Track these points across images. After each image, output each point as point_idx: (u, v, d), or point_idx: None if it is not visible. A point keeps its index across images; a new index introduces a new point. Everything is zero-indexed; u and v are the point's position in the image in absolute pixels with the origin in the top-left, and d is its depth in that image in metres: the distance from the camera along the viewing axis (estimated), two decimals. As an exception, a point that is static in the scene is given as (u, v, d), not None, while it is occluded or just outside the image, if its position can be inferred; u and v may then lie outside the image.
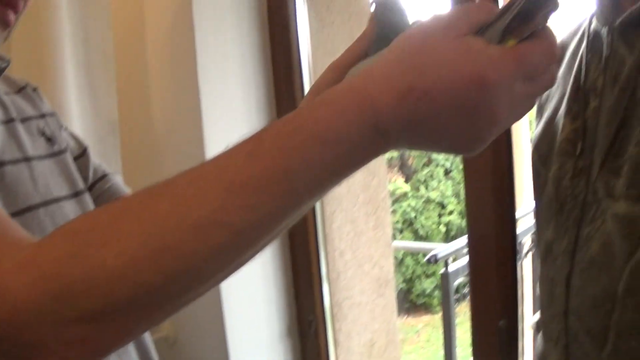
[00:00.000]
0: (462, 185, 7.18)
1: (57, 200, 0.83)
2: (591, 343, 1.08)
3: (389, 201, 2.36)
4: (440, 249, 2.68)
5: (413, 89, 0.51)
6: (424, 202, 7.03)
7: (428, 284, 6.80)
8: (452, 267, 2.58)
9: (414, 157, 7.15)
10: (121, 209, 0.53)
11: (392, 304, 2.33)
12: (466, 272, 2.68)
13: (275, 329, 2.00)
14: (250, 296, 1.93)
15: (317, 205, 2.02)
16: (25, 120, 0.86)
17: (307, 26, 2.00)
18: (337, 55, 2.22)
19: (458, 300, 2.63)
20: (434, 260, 2.50)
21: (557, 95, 1.21)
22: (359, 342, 2.19)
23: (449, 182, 7.16)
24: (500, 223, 1.56)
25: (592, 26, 1.13)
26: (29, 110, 0.88)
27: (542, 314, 1.21)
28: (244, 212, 0.50)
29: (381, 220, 2.29)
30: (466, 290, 2.64)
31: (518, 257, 1.64)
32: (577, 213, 1.10)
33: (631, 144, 1.01)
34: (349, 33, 2.21)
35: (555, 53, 0.56)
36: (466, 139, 0.55)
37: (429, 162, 7.20)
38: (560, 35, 1.28)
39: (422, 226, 6.93)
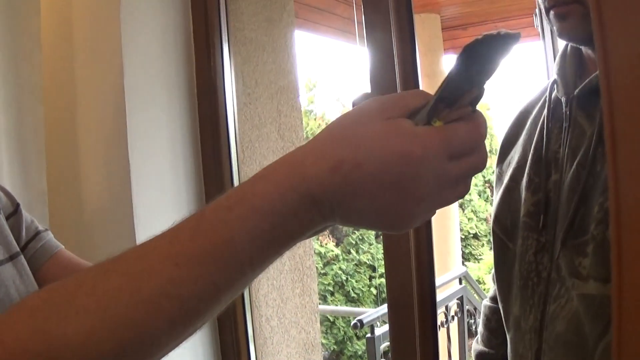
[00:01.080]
0: (392, 248, 7.29)
1: None
2: None
3: (314, 269, 2.42)
4: (366, 314, 2.73)
5: (344, 160, 0.54)
6: (355, 265, 7.09)
7: (360, 346, 6.83)
8: (378, 331, 2.63)
9: (345, 220, 7.20)
10: (76, 285, 0.54)
11: (319, 367, 2.36)
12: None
13: (201, 396, 2.01)
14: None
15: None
16: None
17: (235, 100, 2.07)
18: (264, 129, 2.26)
19: (384, 364, 2.68)
20: (360, 325, 2.55)
21: (514, 163, 1.19)
22: (286, 407, 2.21)
23: (380, 246, 7.24)
24: (420, 290, 1.61)
25: (554, 94, 1.13)
26: None
27: None
28: (191, 284, 0.53)
29: (307, 287, 2.34)
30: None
31: (445, 321, 1.67)
32: (542, 289, 1.09)
33: (592, 224, 1.00)
34: (275, 108, 2.28)
35: (482, 134, 0.59)
36: (394, 214, 0.57)
37: (359, 226, 7.27)
38: (523, 101, 1.29)
39: (353, 289, 6.97)
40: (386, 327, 2.80)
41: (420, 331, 1.62)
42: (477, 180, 7.20)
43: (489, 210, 7.05)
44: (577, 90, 1.07)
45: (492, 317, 1.41)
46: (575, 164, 1.02)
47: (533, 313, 1.11)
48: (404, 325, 1.64)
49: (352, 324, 2.62)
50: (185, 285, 0.53)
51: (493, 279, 1.43)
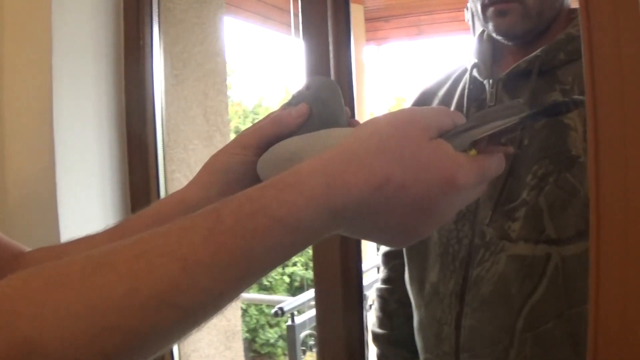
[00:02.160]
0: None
1: None
2: None
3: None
4: (286, 302, 2.73)
5: (391, 180, 0.51)
6: (280, 274, 7.10)
7: (272, 334, 6.83)
8: (298, 320, 2.64)
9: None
10: (58, 275, 0.46)
11: (240, 356, 2.34)
12: (312, 324, 2.75)
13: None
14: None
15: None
16: None
17: (163, 81, 2.03)
18: (190, 112, 2.23)
19: (304, 352, 2.69)
20: (280, 312, 2.55)
21: None
22: (205, 395, 2.19)
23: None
24: (346, 275, 1.62)
25: (472, 77, 1.23)
26: None
27: (424, 353, 1.25)
28: (196, 294, 0.47)
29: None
30: (312, 342, 2.71)
31: (364, 310, 1.69)
32: (463, 255, 1.16)
33: (525, 190, 1.09)
34: (202, 91, 2.24)
35: (502, 168, 0.60)
36: (413, 233, 0.56)
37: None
38: (425, 84, 1.40)
39: (266, 277, 6.98)
40: (305, 316, 2.82)
41: (345, 315, 1.63)
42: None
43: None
44: (504, 74, 1.17)
45: (390, 298, 1.45)
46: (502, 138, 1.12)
47: (454, 278, 1.17)
48: (330, 311, 1.64)
49: (272, 311, 2.62)
50: (190, 295, 0.47)
51: (384, 262, 1.50)
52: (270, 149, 0.69)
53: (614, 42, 0.55)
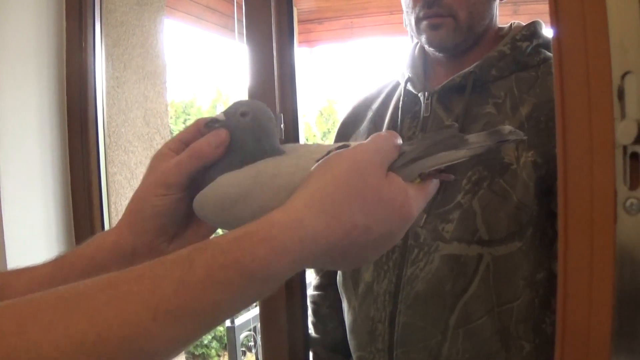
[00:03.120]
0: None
1: None
2: None
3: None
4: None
5: (357, 226, 0.55)
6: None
7: (206, 335, 6.75)
8: (238, 321, 2.65)
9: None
10: (29, 316, 0.45)
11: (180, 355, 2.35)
12: (252, 325, 2.77)
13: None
14: None
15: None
16: None
17: (104, 83, 2.02)
18: (130, 114, 2.22)
19: (244, 353, 2.70)
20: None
21: None
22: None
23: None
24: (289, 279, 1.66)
25: (406, 90, 1.29)
26: None
27: (357, 351, 1.28)
28: (165, 341, 0.48)
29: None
30: (251, 343, 2.73)
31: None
32: (397, 256, 1.20)
33: (459, 194, 1.15)
34: (142, 93, 2.24)
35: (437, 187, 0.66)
36: (368, 259, 0.60)
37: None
38: (360, 96, 1.45)
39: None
40: (245, 317, 2.83)
41: (289, 315, 1.66)
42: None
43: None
44: (439, 87, 1.23)
45: (323, 303, 1.49)
46: None
47: (387, 277, 1.21)
48: (273, 313, 1.67)
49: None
50: (158, 342, 0.47)
51: (315, 269, 1.54)
52: (207, 188, 0.66)
53: (581, 51, 0.61)
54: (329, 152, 0.62)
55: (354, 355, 1.32)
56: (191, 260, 0.50)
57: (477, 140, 0.62)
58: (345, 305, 1.35)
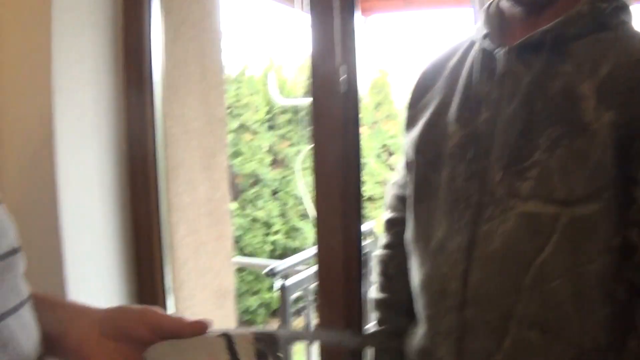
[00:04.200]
0: (288, 206, 7.30)
1: None
2: (489, 335, 1.16)
3: (230, 214, 2.40)
4: (279, 263, 2.75)
5: None
6: (251, 220, 7.08)
7: (252, 302, 6.85)
8: (289, 282, 2.65)
9: (242, 176, 7.18)
10: None
11: (232, 315, 2.36)
12: (301, 287, 2.78)
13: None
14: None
15: (163, 214, 2.02)
16: None
17: (162, 37, 2.01)
18: (188, 67, 2.22)
19: (294, 314, 2.71)
20: (271, 273, 2.56)
21: (435, 103, 1.31)
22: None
23: (276, 203, 7.26)
24: (348, 237, 1.64)
25: (482, 46, 1.26)
26: None
27: (426, 309, 1.27)
28: None
29: (223, 232, 2.32)
30: (301, 305, 2.73)
31: (364, 271, 1.71)
32: (471, 212, 1.19)
33: (539, 150, 1.13)
34: (199, 48, 2.23)
35: None
36: None
37: (255, 182, 7.26)
38: (436, 53, 1.43)
39: (249, 244, 6.98)
40: (297, 277, 2.84)
41: (345, 275, 1.65)
42: (374, 144, 7.32)
43: (384, 174, 7.20)
44: (516, 43, 1.20)
45: (390, 262, 1.48)
46: (514, 103, 1.16)
47: (461, 234, 1.19)
48: (331, 273, 1.65)
49: (264, 271, 2.63)
50: None
51: (387, 227, 1.52)
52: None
53: None
54: None
55: (422, 314, 1.30)
56: None
57: None
58: (415, 262, 1.33)
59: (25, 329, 0.68)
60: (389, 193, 1.53)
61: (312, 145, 1.67)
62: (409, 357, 1.39)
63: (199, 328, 0.76)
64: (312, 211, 6.57)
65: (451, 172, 1.22)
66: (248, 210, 7.20)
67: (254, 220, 7.18)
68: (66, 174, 1.76)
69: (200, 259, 2.21)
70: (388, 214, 1.53)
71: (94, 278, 1.89)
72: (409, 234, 1.36)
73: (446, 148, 1.24)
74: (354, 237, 1.65)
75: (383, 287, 1.49)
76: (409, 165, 1.37)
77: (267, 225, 7.22)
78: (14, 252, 0.71)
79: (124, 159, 1.97)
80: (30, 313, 0.72)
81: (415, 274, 1.33)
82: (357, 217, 1.65)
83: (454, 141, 1.23)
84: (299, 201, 7.36)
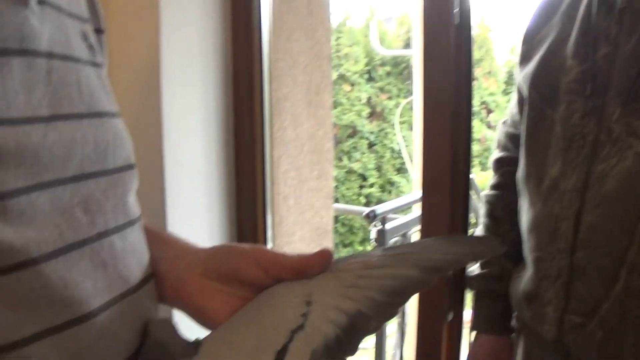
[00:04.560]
0: (385, 159, 7.27)
1: (100, 114, 0.63)
2: (600, 280, 1.11)
3: (332, 153, 2.37)
4: (379, 206, 2.73)
5: None
6: (346, 172, 7.10)
7: (344, 254, 6.86)
8: (388, 225, 2.62)
9: (339, 127, 7.19)
10: None
11: (330, 254, 2.35)
12: (399, 233, 2.74)
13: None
14: (195, 240, 1.91)
15: (267, 148, 2.02)
16: (71, 15, 0.64)
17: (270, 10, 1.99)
18: (294, 2, 2.18)
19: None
20: (372, 215, 2.54)
21: (551, 37, 1.26)
22: (295, 289, 2.20)
23: (372, 155, 7.24)
24: (455, 185, 1.58)
25: None
26: (74, 7, 0.66)
27: (535, 251, 1.23)
28: None
29: (324, 171, 2.30)
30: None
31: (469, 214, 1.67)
32: (587, 151, 1.13)
33: None
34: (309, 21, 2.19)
35: None
36: None
37: (353, 134, 7.25)
38: None
39: (343, 196, 7.01)
40: (396, 222, 2.80)
41: (450, 219, 1.60)
42: (473, 101, 7.16)
43: (483, 131, 7.05)
44: None
45: (497, 204, 1.45)
46: (634, 38, 1.09)
47: (576, 173, 1.15)
48: (436, 210, 1.61)
49: (364, 214, 2.60)
50: None
51: (495, 167, 1.49)
52: None
53: None
54: None
55: (529, 256, 1.26)
56: None
57: None
58: (525, 202, 1.29)
59: (131, 252, 0.64)
60: (500, 131, 1.49)
61: (422, 91, 1.61)
62: (513, 301, 1.35)
63: (325, 259, 0.65)
64: (409, 165, 6.51)
65: (567, 108, 1.17)
66: (344, 162, 7.21)
67: (350, 171, 7.20)
68: (170, 104, 1.77)
69: (301, 195, 2.20)
70: (497, 153, 1.49)
71: (194, 210, 1.90)
72: (520, 172, 1.32)
73: (563, 84, 1.19)
74: (461, 185, 1.60)
75: (489, 229, 1.46)
76: (522, 102, 1.32)
77: (363, 177, 7.23)
78: (129, 167, 0.67)
79: (230, 91, 1.96)
80: (139, 236, 0.67)
81: (525, 215, 1.29)
82: (466, 163, 1.60)
83: (571, 77, 1.18)
84: (395, 155, 7.31)
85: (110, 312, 0.58)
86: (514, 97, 1.43)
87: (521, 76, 1.32)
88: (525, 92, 1.29)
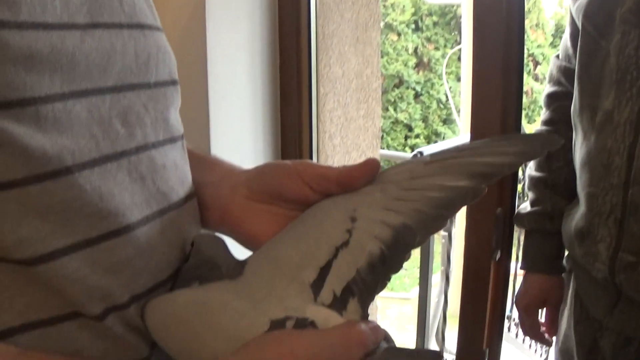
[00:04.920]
0: (431, 110, 7.18)
1: (141, 26, 0.61)
2: None
3: (380, 91, 2.33)
4: (425, 147, 2.69)
5: None
6: (392, 122, 7.05)
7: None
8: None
9: (385, 77, 7.11)
10: None
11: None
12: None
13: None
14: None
15: (313, 85, 1.99)
16: None
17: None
18: (344, 23, 2.12)
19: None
20: (420, 156, 2.49)
21: None
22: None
23: (418, 106, 7.16)
24: (505, 108, 1.54)
25: None
26: None
27: (588, 187, 1.20)
28: None
29: (371, 109, 2.26)
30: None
31: None
32: None
33: None
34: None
35: None
36: None
37: (399, 84, 7.17)
38: None
39: (388, 146, 6.96)
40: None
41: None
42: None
43: (530, 83, 6.91)
44: None
45: None
46: None
47: (630, 105, 1.11)
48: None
49: (412, 153, 2.56)
50: None
51: (547, 103, 1.44)
52: (162, 306, 0.58)
53: None
54: (286, 319, 0.54)
55: (582, 192, 1.22)
56: None
57: None
58: (578, 137, 1.25)
59: (172, 168, 0.62)
60: (553, 65, 1.43)
61: (472, 41, 1.56)
62: (565, 239, 1.32)
63: (371, 170, 0.61)
64: (455, 115, 6.42)
65: (622, 39, 1.13)
66: (390, 112, 7.15)
67: (395, 122, 7.14)
68: (216, 36, 1.74)
69: (347, 135, 2.17)
70: (550, 88, 1.44)
71: (238, 146, 1.89)
72: (573, 106, 1.28)
73: (617, 14, 1.14)
74: (511, 131, 1.54)
75: (541, 165, 1.42)
76: (576, 34, 1.27)
77: (408, 128, 7.17)
78: (172, 83, 0.65)
79: (276, 24, 1.93)
80: (180, 154, 0.65)
81: (578, 150, 1.25)
82: (518, 111, 1.55)
83: (626, 7, 1.12)
84: (442, 105, 7.22)
85: (148, 227, 0.57)
86: (567, 30, 1.38)
87: (574, 7, 1.27)
88: (578, 23, 1.25)
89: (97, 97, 0.53)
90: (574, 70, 1.26)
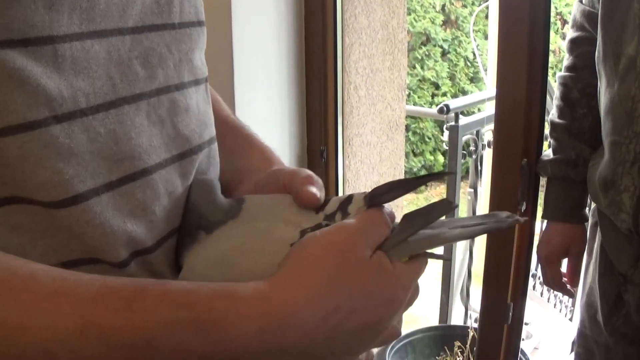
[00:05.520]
0: (458, 68, 7.08)
1: None
2: None
3: (406, 43, 2.29)
4: (452, 101, 2.65)
5: (339, 308, 0.50)
6: (419, 80, 6.96)
7: (415, 163, 6.84)
8: (462, 121, 2.55)
9: (412, 34, 7.00)
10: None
11: (401, 148, 2.30)
12: (471, 129, 2.67)
13: (285, 158, 1.98)
14: (264, 124, 1.89)
15: (339, 35, 1.96)
16: None
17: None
18: (369, 15, 2.08)
19: (464, 157, 2.61)
20: (446, 110, 2.46)
21: None
22: (366, 182, 2.18)
23: (445, 64, 7.05)
24: (531, 63, 1.51)
25: None
26: None
27: (611, 135, 1.17)
28: (80, 358, 0.43)
29: (397, 61, 2.23)
30: (472, 148, 2.62)
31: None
32: None
33: None
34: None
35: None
36: (355, 348, 0.54)
37: (426, 41, 7.06)
38: None
39: (415, 104, 6.88)
40: (469, 119, 2.73)
41: (526, 103, 1.52)
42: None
43: (558, 42, 6.77)
44: None
45: (574, 86, 1.37)
46: None
47: None
48: (512, 98, 1.54)
49: (438, 107, 2.53)
50: (73, 356, 0.43)
51: (570, 48, 1.40)
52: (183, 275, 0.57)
53: None
54: (303, 232, 0.55)
55: (606, 141, 1.19)
56: (143, 288, 0.46)
57: (472, 223, 0.59)
58: (602, 84, 1.21)
59: (194, 111, 0.61)
60: (576, 10, 1.39)
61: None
62: (590, 189, 1.30)
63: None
64: (483, 74, 6.32)
65: None
66: (417, 70, 7.06)
67: (422, 79, 7.05)
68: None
69: (373, 86, 2.14)
70: (573, 33, 1.40)
71: (263, 98, 1.88)
72: (597, 53, 1.24)
73: None
74: (538, 84, 1.52)
75: (563, 113, 1.39)
76: None
77: (435, 85, 7.07)
78: (198, 24, 0.63)
79: (301, 16, 1.91)
80: (203, 96, 0.64)
81: (602, 98, 1.22)
82: (544, 62, 1.52)
83: None
84: (469, 64, 7.11)
85: (167, 171, 0.56)
86: None
87: None
88: None
89: (116, 38, 0.52)
90: (598, 15, 1.22)
